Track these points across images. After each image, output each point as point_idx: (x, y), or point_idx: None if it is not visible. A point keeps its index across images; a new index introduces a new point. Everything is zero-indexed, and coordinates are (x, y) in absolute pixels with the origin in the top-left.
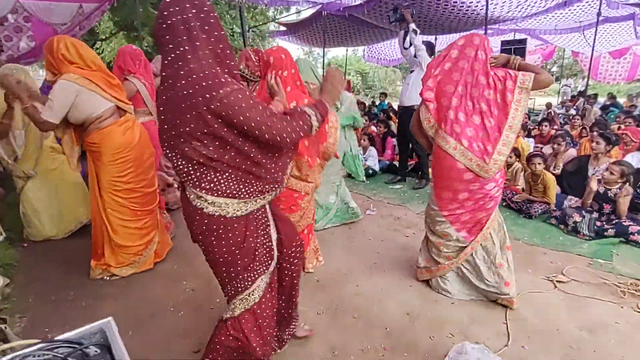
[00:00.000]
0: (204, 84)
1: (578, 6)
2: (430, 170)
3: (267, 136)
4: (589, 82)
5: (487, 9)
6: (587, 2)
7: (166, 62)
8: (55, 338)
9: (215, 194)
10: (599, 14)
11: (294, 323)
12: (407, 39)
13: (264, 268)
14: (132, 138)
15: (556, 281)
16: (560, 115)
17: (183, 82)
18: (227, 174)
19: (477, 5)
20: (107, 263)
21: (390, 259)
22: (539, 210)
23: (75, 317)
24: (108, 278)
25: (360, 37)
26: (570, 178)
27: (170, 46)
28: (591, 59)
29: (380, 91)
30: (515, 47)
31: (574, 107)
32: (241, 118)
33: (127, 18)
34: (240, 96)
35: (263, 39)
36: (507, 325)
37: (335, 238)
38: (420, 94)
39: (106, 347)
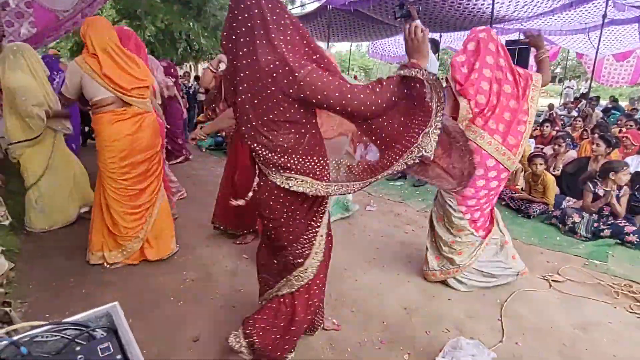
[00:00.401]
0: (280, 70)
1: (584, 8)
2: None
3: (349, 108)
4: (592, 85)
5: (492, 8)
6: (593, 3)
7: (241, 53)
8: (63, 320)
9: (304, 174)
10: (604, 16)
11: (322, 312)
12: None
13: (321, 247)
14: (121, 130)
15: (552, 280)
16: (562, 117)
17: (262, 71)
18: (309, 158)
19: (483, 4)
20: (101, 247)
21: (389, 255)
22: (538, 211)
23: (75, 304)
24: (108, 265)
25: (364, 33)
26: (569, 179)
27: (247, 38)
28: (595, 61)
29: None
30: (520, 47)
31: (576, 108)
32: (324, 93)
33: (130, 7)
34: (316, 75)
35: None
36: (501, 322)
37: (335, 233)
38: (463, 91)
39: (112, 331)
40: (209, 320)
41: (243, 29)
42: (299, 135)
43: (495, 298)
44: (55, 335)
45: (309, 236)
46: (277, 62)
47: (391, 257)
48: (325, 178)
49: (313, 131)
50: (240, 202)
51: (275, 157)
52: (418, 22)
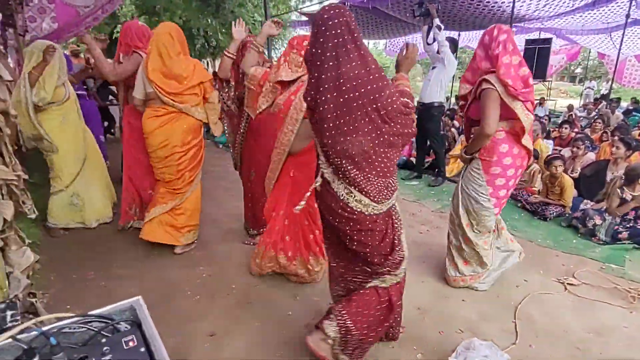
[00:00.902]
0: (370, 87)
1: (607, 7)
2: (446, 167)
3: (407, 138)
4: (613, 86)
5: (513, 7)
6: (616, 3)
7: (326, 66)
8: (89, 313)
9: (362, 193)
10: (627, 16)
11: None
12: (431, 34)
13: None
14: (153, 125)
15: (567, 284)
16: (581, 118)
17: (349, 85)
18: (372, 178)
19: (503, 2)
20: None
21: None
22: (554, 213)
23: (94, 296)
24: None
25: (382, 30)
26: (587, 182)
27: (334, 52)
28: (617, 61)
29: None
30: (540, 47)
31: (596, 110)
32: (398, 120)
33: (149, 2)
34: (392, 99)
35: (284, 29)
36: (515, 324)
37: None
38: (526, 83)
39: (136, 324)
40: (224, 316)
41: (331, 44)
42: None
43: (509, 300)
44: (82, 327)
45: (394, 242)
46: (365, 75)
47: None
48: (377, 200)
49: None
50: (300, 206)
51: (348, 166)
52: (437, 20)
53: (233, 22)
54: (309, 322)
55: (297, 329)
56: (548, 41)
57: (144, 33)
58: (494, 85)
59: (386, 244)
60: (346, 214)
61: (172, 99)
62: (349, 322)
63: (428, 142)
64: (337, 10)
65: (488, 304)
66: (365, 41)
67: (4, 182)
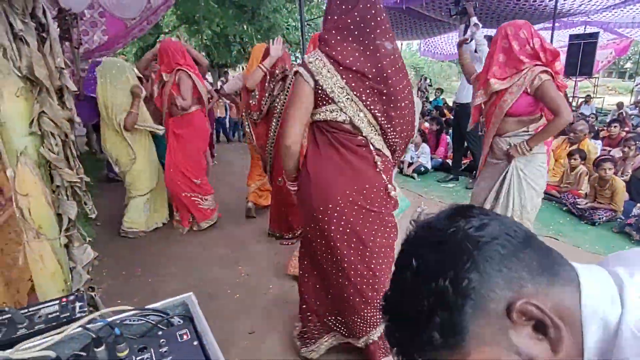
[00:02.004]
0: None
1: None
2: None
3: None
4: None
5: (556, 2)
6: None
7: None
8: (146, 307)
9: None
10: None
11: None
12: (468, 32)
13: None
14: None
15: None
16: (632, 117)
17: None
18: None
19: None
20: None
21: None
22: (604, 217)
23: (142, 291)
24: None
25: (416, 31)
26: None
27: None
28: None
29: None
30: (585, 42)
31: None
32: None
33: (189, 12)
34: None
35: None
36: None
37: None
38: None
39: (189, 319)
40: (262, 315)
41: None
42: None
43: None
44: (140, 320)
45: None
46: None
47: None
48: None
49: None
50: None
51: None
52: (474, 19)
53: (271, 40)
54: None
55: None
56: (594, 35)
57: (181, 49)
58: (552, 77)
59: None
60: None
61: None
62: None
63: (465, 143)
64: None
65: None
66: (398, 42)
67: (69, 184)
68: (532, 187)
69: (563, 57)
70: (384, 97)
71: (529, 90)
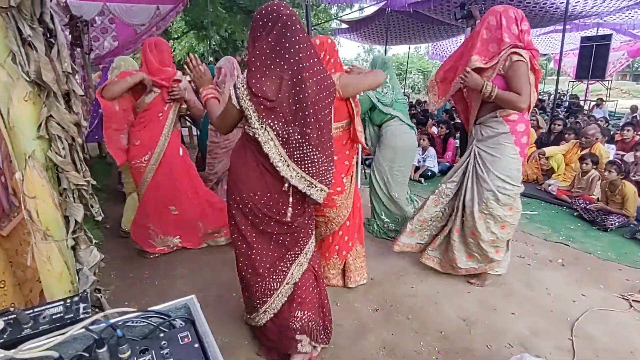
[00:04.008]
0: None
1: None
2: None
3: None
4: None
5: (567, 4)
6: None
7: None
8: (148, 309)
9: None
10: None
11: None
12: None
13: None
14: None
15: (632, 300)
16: None
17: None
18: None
19: None
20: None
21: None
22: (616, 223)
23: (150, 294)
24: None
25: (424, 34)
26: None
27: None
28: None
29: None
30: (597, 44)
31: None
32: None
33: (198, 18)
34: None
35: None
36: (572, 342)
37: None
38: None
39: (190, 321)
40: None
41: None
42: None
43: (564, 315)
44: (142, 322)
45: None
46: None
47: None
48: None
49: None
50: None
51: None
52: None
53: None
54: (349, 327)
55: (338, 334)
56: (607, 37)
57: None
58: (524, 58)
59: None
60: None
61: None
62: (309, 321)
63: None
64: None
65: (540, 318)
66: (406, 46)
67: (76, 187)
68: (501, 178)
69: (574, 59)
70: (291, 118)
71: (502, 72)
